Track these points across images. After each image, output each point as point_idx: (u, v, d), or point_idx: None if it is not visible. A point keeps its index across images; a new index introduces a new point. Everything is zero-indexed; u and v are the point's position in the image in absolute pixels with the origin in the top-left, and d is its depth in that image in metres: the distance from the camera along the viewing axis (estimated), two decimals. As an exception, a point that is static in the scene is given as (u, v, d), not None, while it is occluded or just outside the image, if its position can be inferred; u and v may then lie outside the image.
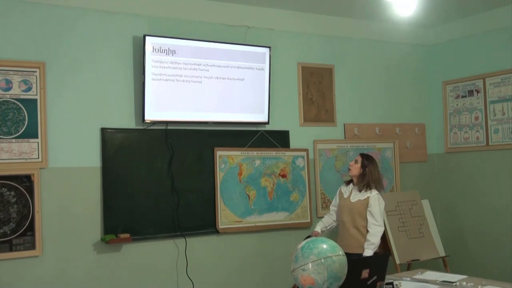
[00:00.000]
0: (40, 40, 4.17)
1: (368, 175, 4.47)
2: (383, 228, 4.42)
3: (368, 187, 4.45)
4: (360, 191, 4.47)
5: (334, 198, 4.72)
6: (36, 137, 4.10)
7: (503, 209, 5.45)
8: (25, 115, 4.07)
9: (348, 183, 4.62)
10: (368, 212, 4.40)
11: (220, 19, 4.91)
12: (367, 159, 4.54)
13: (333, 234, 4.63)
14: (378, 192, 4.45)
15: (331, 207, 4.74)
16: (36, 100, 4.12)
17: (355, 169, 4.51)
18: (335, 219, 4.67)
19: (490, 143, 5.58)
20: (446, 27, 5.95)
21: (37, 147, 4.10)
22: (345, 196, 4.56)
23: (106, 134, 4.37)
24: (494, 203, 5.52)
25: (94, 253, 4.29)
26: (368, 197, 4.42)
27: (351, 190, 4.54)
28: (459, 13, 5.59)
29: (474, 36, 5.75)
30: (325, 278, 2.59)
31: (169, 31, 4.60)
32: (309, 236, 2.90)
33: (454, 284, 3.33)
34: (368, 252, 4.34)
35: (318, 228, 4.67)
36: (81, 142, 4.29)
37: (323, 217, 4.79)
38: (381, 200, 4.45)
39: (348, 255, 4.26)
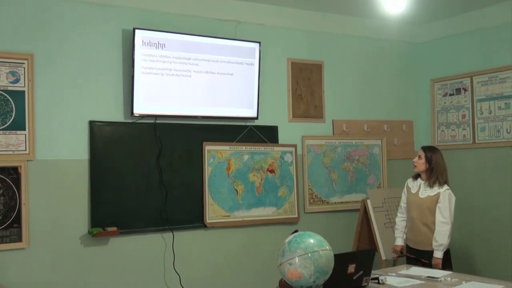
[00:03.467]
0: (29, 32, 4.15)
1: (436, 168, 4.30)
2: (450, 226, 4.21)
3: (438, 182, 4.28)
4: (430, 187, 4.31)
5: (403, 194, 4.56)
6: (24, 129, 4.08)
7: (489, 206, 5.51)
8: (12, 107, 4.05)
9: (415, 177, 4.47)
10: (437, 208, 4.23)
11: (211, 14, 4.90)
12: (430, 151, 4.36)
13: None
14: (449, 188, 4.28)
15: (401, 204, 4.57)
16: (23, 92, 4.09)
17: (421, 165, 4.34)
18: (405, 218, 4.53)
19: (476, 141, 5.63)
20: (435, 25, 5.99)
21: (24, 139, 4.07)
22: (413, 191, 4.41)
23: (94, 127, 4.36)
24: (479, 200, 5.57)
25: (81, 246, 4.28)
26: (439, 193, 4.24)
27: (420, 185, 4.39)
28: (449, 11, 5.63)
29: (462, 35, 5.79)
30: (311, 272, 2.61)
31: (159, 25, 4.59)
32: (296, 231, 2.90)
33: (438, 279, 3.37)
34: (438, 253, 4.18)
35: (400, 241, 4.52)
36: (69, 134, 4.28)
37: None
38: (452, 196, 4.27)
39: (418, 252, 4.33)
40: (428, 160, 4.34)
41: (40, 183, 4.14)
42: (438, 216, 4.23)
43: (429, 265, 4.17)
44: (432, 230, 4.26)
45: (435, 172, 4.30)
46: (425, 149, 4.42)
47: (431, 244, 4.24)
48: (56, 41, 4.25)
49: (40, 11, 4.20)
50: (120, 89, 4.49)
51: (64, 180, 4.25)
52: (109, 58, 4.45)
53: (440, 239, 4.18)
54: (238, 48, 4.90)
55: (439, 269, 4.08)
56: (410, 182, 4.53)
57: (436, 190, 4.28)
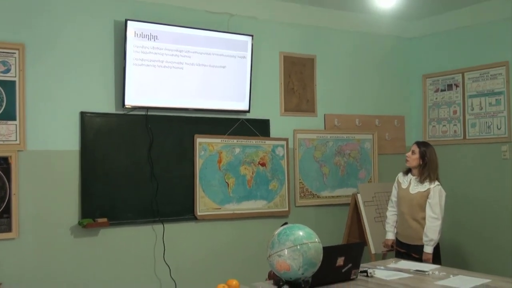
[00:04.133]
0: (20, 22, 4.13)
1: (429, 165, 4.30)
2: (440, 222, 4.23)
3: (429, 178, 4.29)
4: (421, 183, 4.31)
5: (394, 188, 4.57)
6: (14, 119, 4.07)
7: (478, 201, 5.55)
8: (3, 97, 4.03)
9: (406, 172, 4.47)
10: (427, 204, 4.25)
11: (204, 6, 4.90)
12: (425, 146, 4.35)
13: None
14: (439, 184, 4.28)
15: (392, 198, 4.58)
16: (14, 82, 4.07)
17: (414, 161, 4.33)
18: (396, 212, 4.54)
19: (467, 137, 5.66)
20: (428, 21, 6.01)
21: (15, 129, 4.06)
22: (404, 186, 4.43)
23: (85, 118, 4.35)
24: (469, 195, 5.61)
25: (71, 237, 4.27)
26: (429, 189, 4.26)
27: (410, 180, 4.40)
28: (441, 7, 5.65)
29: (454, 31, 5.81)
30: (300, 264, 2.62)
31: (151, 16, 4.57)
32: (286, 223, 2.92)
33: (426, 273, 3.39)
34: (428, 249, 4.20)
35: (391, 235, 4.53)
36: (60, 125, 4.26)
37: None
38: (442, 192, 4.28)
39: (408, 246, 4.36)
40: (422, 156, 4.34)
41: (31, 173, 4.13)
42: (429, 212, 4.25)
43: (419, 259, 4.20)
44: (422, 225, 4.29)
45: (427, 168, 4.31)
46: (419, 144, 4.41)
47: (421, 239, 4.27)
48: (47, 31, 4.23)
49: (32, 1, 4.17)
50: (111, 80, 4.48)
51: (55, 171, 4.24)
52: (101, 49, 4.44)
53: (431, 235, 4.21)
54: (230, 41, 4.90)
55: (429, 264, 4.07)
56: (400, 176, 4.54)
57: (426, 186, 4.30)
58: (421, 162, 4.34)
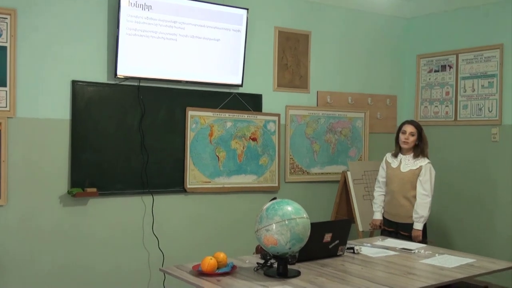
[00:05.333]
0: (12, -14, 4.06)
1: (424, 141, 4.40)
2: (430, 199, 4.31)
3: (422, 154, 4.37)
4: (415, 159, 4.37)
5: (381, 169, 4.60)
6: (5, 85, 4.02)
7: (467, 182, 5.59)
8: (-7, 63, 3.99)
9: (395, 154, 4.50)
10: (418, 181, 4.31)
11: (199, -23, 4.83)
12: (419, 125, 4.45)
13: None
14: (430, 161, 4.37)
15: (379, 178, 4.60)
16: (5, 47, 4.02)
17: (412, 142, 4.39)
18: (384, 192, 4.58)
19: (458, 118, 5.68)
20: (424, 1, 5.98)
21: (5, 96, 4.02)
22: (394, 166, 4.46)
23: (77, 87, 4.31)
24: (458, 177, 5.65)
25: (60, 205, 4.27)
26: (421, 166, 4.32)
27: (400, 160, 4.44)
28: (438, -13, 5.62)
29: (450, 12, 5.79)
30: (288, 239, 2.64)
31: (146, -14, 4.51)
32: (274, 198, 2.93)
33: (412, 251, 3.43)
34: (418, 225, 4.27)
35: (378, 215, 4.55)
36: (51, 93, 4.23)
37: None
38: (433, 170, 4.36)
39: (397, 225, 4.40)
40: (419, 135, 4.41)
41: (20, 141, 4.10)
42: (419, 189, 4.31)
43: (408, 237, 4.26)
44: (412, 203, 4.35)
45: (422, 145, 4.39)
46: (414, 124, 4.46)
47: (411, 217, 4.33)
48: (40, -3, 4.17)
49: (24, -35, 4.10)
50: (104, 49, 4.43)
51: (45, 139, 4.22)
52: (94, 18, 4.38)
53: (421, 211, 4.27)
54: (225, 14, 4.85)
55: (419, 241, 4.18)
56: (389, 157, 4.57)
57: (418, 163, 4.36)
58: (417, 142, 4.41)
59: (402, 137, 4.43)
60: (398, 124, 6.07)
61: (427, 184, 4.31)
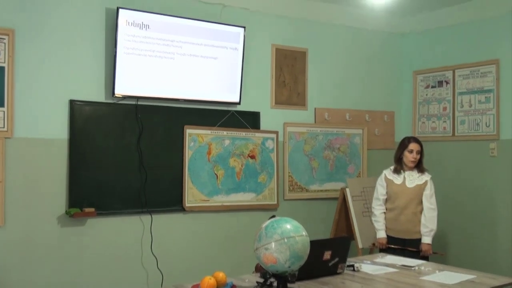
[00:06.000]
0: (11, 7, 4.08)
1: (423, 157, 4.53)
2: (437, 212, 4.41)
3: (424, 168, 4.48)
4: (418, 175, 4.45)
5: (380, 187, 4.59)
6: (3, 105, 4.02)
7: (465, 198, 5.58)
8: (-9, 83, 3.99)
9: (397, 171, 4.53)
10: (424, 195, 4.39)
11: (196, -4, 4.87)
12: (421, 143, 4.54)
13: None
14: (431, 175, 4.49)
15: (379, 197, 4.59)
16: (3, 67, 4.03)
17: (418, 159, 4.48)
18: (385, 209, 4.59)
19: (456, 134, 5.68)
20: (420, 17, 6.02)
21: (3, 116, 4.02)
22: (398, 182, 4.49)
23: (74, 106, 4.31)
24: (457, 192, 5.64)
25: (58, 226, 4.25)
26: (427, 181, 4.43)
27: (404, 176, 4.48)
28: (433, 3, 5.65)
29: (446, 28, 5.83)
30: (287, 258, 2.62)
31: (143, 5, 4.54)
32: (273, 216, 2.91)
33: (412, 268, 3.41)
34: (428, 239, 4.33)
35: (383, 233, 4.54)
36: (49, 113, 4.23)
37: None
38: (433, 183, 4.48)
39: (403, 241, 4.41)
40: (422, 153, 4.52)
41: (18, 161, 4.10)
42: (426, 203, 4.39)
43: (417, 253, 4.27)
44: (419, 218, 4.40)
45: (422, 161, 4.51)
46: (420, 143, 4.52)
47: (419, 232, 4.37)
48: (38, 17, 4.18)
49: (22, -14, 4.13)
50: (102, 69, 4.44)
51: (43, 159, 4.21)
52: (91, 37, 4.40)
53: (430, 225, 4.35)
54: (222, 32, 4.87)
55: (429, 255, 4.31)
56: (390, 174, 4.56)
57: (423, 178, 4.45)
58: (421, 158, 4.52)
59: (409, 156, 4.45)
60: (396, 140, 6.10)
61: (433, 197, 4.42)
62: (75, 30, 4.33)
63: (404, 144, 4.53)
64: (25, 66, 4.13)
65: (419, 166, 4.49)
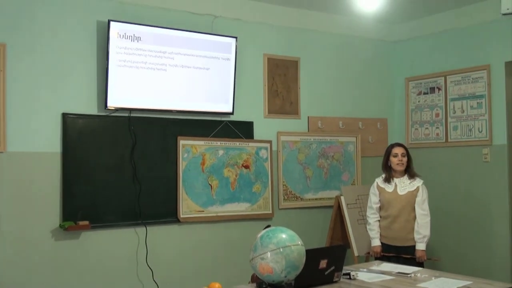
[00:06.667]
0: (1, 21, 4.07)
1: (411, 161, 4.53)
2: (430, 218, 4.41)
3: (414, 173, 4.48)
4: (410, 179, 4.46)
5: (373, 195, 4.61)
6: (-5, 120, 4.01)
7: (459, 204, 5.59)
8: (-17, 98, 3.98)
9: (387, 179, 4.54)
10: (416, 202, 4.39)
11: (187, 7, 4.88)
12: (407, 148, 4.56)
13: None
14: (423, 181, 4.48)
15: (372, 205, 4.60)
16: (-5, 82, 4.02)
17: (405, 162, 4.48)
18: (379, 218, 4.59)
19: (449, 140, 5.70)
20: (411, 24, 6.05)
21: (-5, 131, 4.01)
22: (389, 190, 4.50)
23: (67, 120, 4.30)
24: (450, 198, 5.65)
25: (52, 239, 4.23)
26: (418, 187, 4.43)
27: (395, 183, 4.50)
28: (424, 10, 5.69)
29: (436, 34, 5.86)
30: (283, 267, 2.62)
31: (135, 17, 4.55)
32: (268, 226, 2.91)
33: (409, 275, 3.40)
34: (422, 246, 4.33)
35: (378, 242, 4.54)
36: (41, 127, 4.22)
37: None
38: (426, 189, 4.46)
39: (398, 249, 4.42)
40: (408, 156, 4.54)
41: (11, 175, 4.08)
42: (418, 210, 4.39)
43: (412, 260, 4.26)
44: (412, 225, 4.40)
45: (411, 166, 4.51)
46: (404, 146, 4.55)
47: (412, 239, 4.37)
48: (29, 31, 4.18)
49: (13, 0, 4.12)
50: (94, 81, 4.44)
51: (36, 173, 4.19)
52: (83, 50, 4.40)
53: (423, 231, 4.35)
54: (214, 42, 4.88)
55: (424, 261, 4.32)
56: (381, 183, 4.58)
57: (415, 184, 4.45)
58: (408, 162, 4.52)
59: (394, 160, 4.47)
60: (390, 147, 6.11)
61: (425, 203, 4.40)
62: (67, 43, 4.33)
63: (388, 151, 4.60)
64: (17, 80, 4.12)
65: (408, 172, 4.49)
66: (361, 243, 5.09)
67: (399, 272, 3.47)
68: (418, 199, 4.39)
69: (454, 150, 5.66)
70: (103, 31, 4.40)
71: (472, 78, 5.50)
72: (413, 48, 6.14)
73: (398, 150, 4.48)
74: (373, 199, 4.61)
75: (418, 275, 3.42)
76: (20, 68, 4.14)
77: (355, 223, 5.24)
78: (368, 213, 4.66)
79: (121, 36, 4.41)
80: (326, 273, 3.13)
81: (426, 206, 4.40)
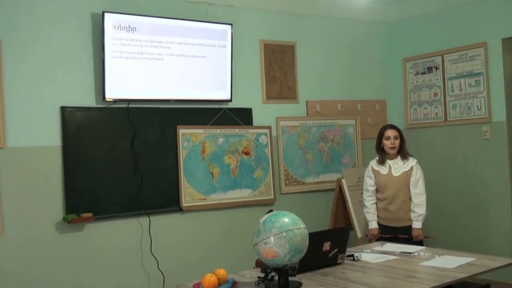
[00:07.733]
0: (-5, 17, 4.06)
1: (404, 143, 4.51)
2: (425, 197, 4.40)
3: (407, 154, 4.47)
4: (404, 160, 4.45)
5: (368, 178, 4.61)
6: (-7, 116, 4.01)
7: (461, 181, 5.60)
8: (-19, 94, 3.97)
9: (381, 161, 4.53)
10: (411, 182, 4.39)
11: (181, -4, 4.86)
12: (399, 129, 4.54)
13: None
14: (417, 160, 4.47)
15: (368, 188, 4.60)
16: (-8, 78, 4.02)
17: (398, 145, 4.47)
18: (375, 200, 4.60)
19: (448, 119, 5.70)
20: (406, 4, 6.01)
21: (-6, 127, 4.01)
22: (384, 172, 4.50)
23: (66, 113, 4.30)
24: (451, 176, 5.67)
25: (56, 233, 4.25)
26: (412, 166, 4.41)
27: (389, 165, 4.49)
28: (419, -10, 5.67)
29: (432, 13, 5.84)
30: (287, 251, 2.63)
31: (129, 8, 4.53)
32: (271, 210, 2.92)
33: (412, 254, 3.43)
34: (418, 224, 4.35)
35: (375, 224, 4.55)
36: (41, 121, 4.22)
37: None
38: (420, 168, 4.45)
39: (395, 229, 4.43)
40: (401, 137, 4.51)
41: (12, 170, 4.09)
42: (412, 189, 4.39)
43: (409, 239, 4.28)
44: (409, 205, 4.41)
45: (404, 147, 4.49)
46: (397, 128, 4.54)
47: (409, 219, 4.38)
48: (25, 26, 4.16)
49: (6, -5, 4.11)
50: (91, 73, 4.44)
51: (37, 167, 4.20)
52: (79, 43, 4.39)
53: (419, 210, 4.35)
54: (209, 30, 4.87)
55: (420, 239, 4.32)
56: (375, 165, 4.59)
57: (409, 165, 4.44)
58: (401, 144, 4.49)
59: (387, 143, 4.47)
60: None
61: (419, 182, 4.39)
62: (62, 37, 4.32)
63: (380, 133, 4.58)
64: (14, 75, 4.11)
65: (401, 153, 4.48)
66: (364, 225, 5.10)
67: (402, 252, 3.50)
68: (412, 178, 4.39)
69: (454, 129, 5.66)
70: (98, 23, 4.39)
71: (470, 56, 5.49)
72: (409, 28, 6.12)
73: (390, 133, 4.48)
74: (369, 182, 4.62)
75: (422, 254, 3.45)
76: (16, 63, 4.13)
77: (357, 205, 5.26)
78: (364, 196, 4.67)
79: (116, 27, 4.40)
80: (330, 255, 3.15)
81: (421, 185, 4.39)
